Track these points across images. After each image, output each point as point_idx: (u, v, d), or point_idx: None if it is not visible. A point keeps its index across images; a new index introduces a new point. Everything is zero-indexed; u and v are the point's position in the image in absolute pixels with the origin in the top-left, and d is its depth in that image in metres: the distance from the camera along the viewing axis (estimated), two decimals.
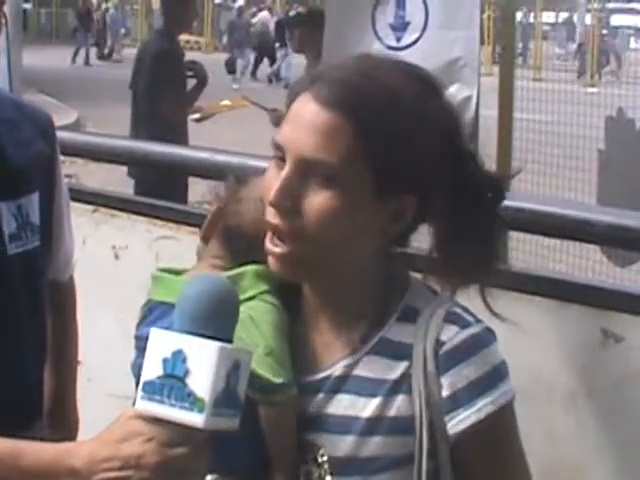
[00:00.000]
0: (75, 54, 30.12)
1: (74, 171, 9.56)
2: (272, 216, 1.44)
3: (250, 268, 1.55)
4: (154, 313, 1.56)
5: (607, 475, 2.05)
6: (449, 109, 1.49)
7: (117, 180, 6.52)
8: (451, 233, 1.51)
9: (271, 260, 1.46)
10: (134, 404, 1.38)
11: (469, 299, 1.58)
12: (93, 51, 30.70)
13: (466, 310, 1.50)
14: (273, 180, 1.44)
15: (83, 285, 2.31)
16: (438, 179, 1.46)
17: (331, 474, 1.47)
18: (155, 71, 6.17)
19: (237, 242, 1.60)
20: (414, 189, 1.45)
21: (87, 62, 29.71)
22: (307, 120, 1.42)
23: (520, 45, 25.39)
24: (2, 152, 1.88)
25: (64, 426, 2.21)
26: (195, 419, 1.31)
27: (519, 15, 25.89)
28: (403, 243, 1.54)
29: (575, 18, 26.95)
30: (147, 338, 1.38)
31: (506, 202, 2.23)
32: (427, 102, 1.46)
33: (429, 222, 1.52)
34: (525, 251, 5.88)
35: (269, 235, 1.45)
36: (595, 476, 2.07)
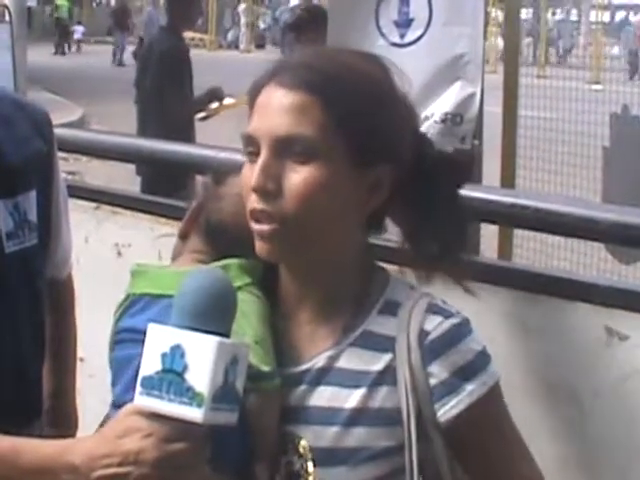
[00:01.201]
0: (115, 54, 29.89)
1: (77, 168, 9.57)
2: (256, 202, 1.46)
3: (234, 261, 1.57)
4: (137, 305, 1.56)
5: (612, 474, 2.05)
6: (401, 90, 1.54)
7: (121, 177, 6.53)
8: (415, 216, 1.54)
9: (259, 242, 1.48)
10: (115, 404, 1.38)
11: (467, 300, 1.59)
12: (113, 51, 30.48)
13: (444, 302, 1.53)
14: (250, 173, 1.47)
15: (86, 282, 2.31)
16: (407, 152, 1.51)
17: (314, 465, 1.48)
18: (161, 69, 6.17)
19: (219, 238, 1.63)
20: (388, 157, 1.48)
21: (120, 63, 29.25)
22: (275, 104, 1.45)
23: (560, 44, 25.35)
24: None
25: (64, 424, 2.22)
26: (194, 414, 1.31)
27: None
28: (379, 226, 1.58)
29: (632, 17, 26.95)
30: (131, 330, 1.38)
31: (511, 200, 2.23)
32: (384, 78, 1.52)
33: (398, 209, 1.55)
34: (529, 248, 5.88)
35: (254, 220, 1.47)
36: (600, 475, 2.06)
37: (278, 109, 1.45)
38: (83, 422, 2.26)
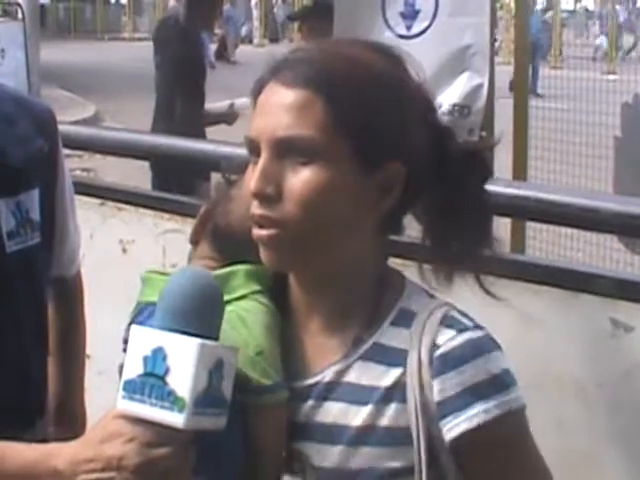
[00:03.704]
0: None
1: (93, 165, 9.59)
2: (256, 207, 1.38)
3: (241, 267, 1.50)
4: (143, 314, 1.52)
5: (617, 464, 2.04)
6: (416, 82, 1.45)
7: (136, 174, 6.51)
8: (438, 214, 1.46)
9: (263, 250, 1.41)
10: None
11: (473, 291, 1.56)
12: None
13: (465, 314, 1.43)
14: (253, 176, 1.40)
15: (91, 279, 2.30)
16: (420, 148, 1.42)
17: None
18: (174, 72, 6.14)
19: (225, 241, 1.55)
20: (398, 156, 1.40)
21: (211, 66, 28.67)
22: (275, 104, 1.38)
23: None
24: None
25: (71, 423, 2.19)
26: (175, 419, 1.26)
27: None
28: (397, 227, 1.49)
29: None
30: None
31: (512, 191, 2.22)
32: (392, 71, 1.42)
33: (417, 206, 1.47)
34: (542, 240, 5.85)
35: (256, 226, 1.40)
36: (605, 465, 2.05)
37: (277, 108, 1.38)
38: (91, 419, 2.25)
